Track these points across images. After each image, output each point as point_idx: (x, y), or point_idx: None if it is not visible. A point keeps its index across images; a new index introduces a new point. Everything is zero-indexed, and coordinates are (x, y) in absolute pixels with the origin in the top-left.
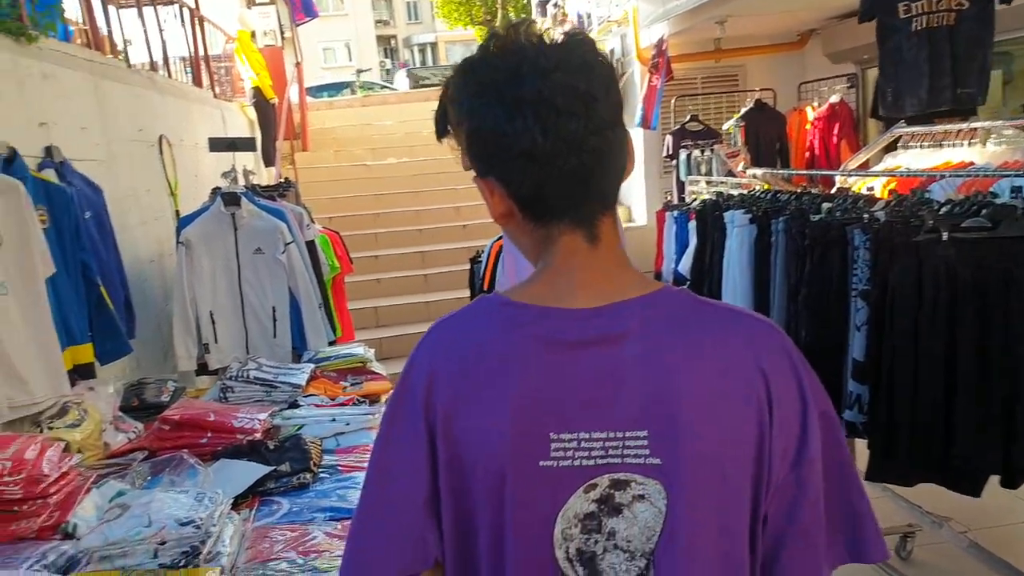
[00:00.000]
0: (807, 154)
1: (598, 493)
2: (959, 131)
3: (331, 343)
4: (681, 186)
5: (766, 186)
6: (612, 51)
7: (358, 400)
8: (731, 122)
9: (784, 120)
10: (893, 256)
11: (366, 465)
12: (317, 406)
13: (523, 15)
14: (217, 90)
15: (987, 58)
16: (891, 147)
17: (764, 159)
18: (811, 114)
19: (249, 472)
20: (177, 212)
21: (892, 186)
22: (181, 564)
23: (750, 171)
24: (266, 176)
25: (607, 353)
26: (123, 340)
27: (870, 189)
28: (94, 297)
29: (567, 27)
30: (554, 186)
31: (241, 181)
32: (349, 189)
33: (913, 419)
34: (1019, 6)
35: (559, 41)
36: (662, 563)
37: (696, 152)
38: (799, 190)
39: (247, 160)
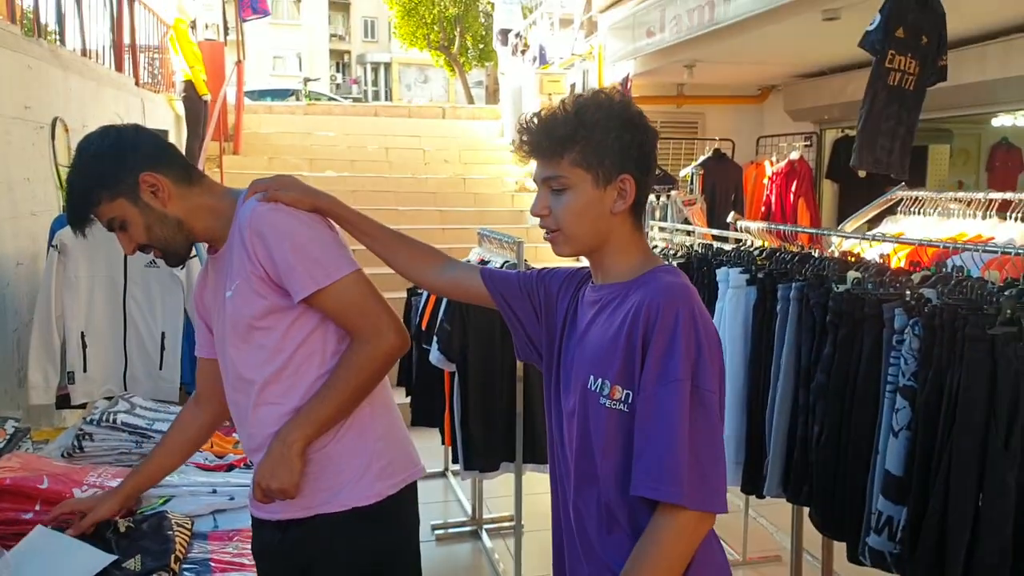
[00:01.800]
0: (763, 209)
1: None
2: (970, 201)
3: None
4: None
5: (762, 241)
6: (573, 85)
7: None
8: (689, 168)
9: (741, 172)
10: (955, 351)
11: (245, 561)
12: (199, 466)
13: (480, 44)
14: (145, 78)
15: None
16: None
17: (719, 209)
18: (769, 169)
19: (79, 565)
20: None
21: (903, 254)
22: None
23: (742, 223)
24: None
25: None
26: None
27: (882, 256)
28: None
29: (529, 56)
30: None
31: None
32: None
33: (971, 561)
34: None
35: None
36: None
37: (651, 197)
38: (786, 247)
39: None
